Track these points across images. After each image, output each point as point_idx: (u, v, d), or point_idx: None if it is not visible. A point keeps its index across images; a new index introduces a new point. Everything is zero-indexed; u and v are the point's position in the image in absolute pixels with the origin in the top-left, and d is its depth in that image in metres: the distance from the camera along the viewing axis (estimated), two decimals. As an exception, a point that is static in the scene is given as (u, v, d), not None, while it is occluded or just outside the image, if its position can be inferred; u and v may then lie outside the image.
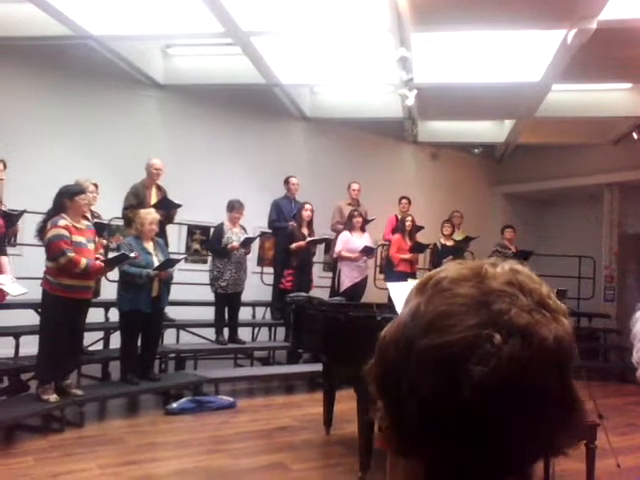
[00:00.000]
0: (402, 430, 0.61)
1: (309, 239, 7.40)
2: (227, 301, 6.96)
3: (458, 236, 8.92)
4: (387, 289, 5.27)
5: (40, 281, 4.98)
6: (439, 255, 8.41)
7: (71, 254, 4.75)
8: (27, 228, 6.08)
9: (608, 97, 8.21)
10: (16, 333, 5.56)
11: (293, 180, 8.02)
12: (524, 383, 0.57)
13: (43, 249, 4.97)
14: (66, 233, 4.81)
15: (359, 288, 7.67)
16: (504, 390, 0.57)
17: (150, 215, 5.75)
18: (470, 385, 0.56)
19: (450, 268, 0.65)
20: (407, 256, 7.92)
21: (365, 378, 0.66)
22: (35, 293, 5.10)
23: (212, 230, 7.36)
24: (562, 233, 11.29)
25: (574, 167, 10.41)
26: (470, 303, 0.60)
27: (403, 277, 7.05)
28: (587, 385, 4.53)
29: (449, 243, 8.58)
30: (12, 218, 5.26)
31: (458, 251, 8.56)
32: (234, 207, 7.03)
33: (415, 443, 0.60)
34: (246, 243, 6.93)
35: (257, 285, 7.91)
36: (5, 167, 4.72)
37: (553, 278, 8.57)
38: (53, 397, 4.79)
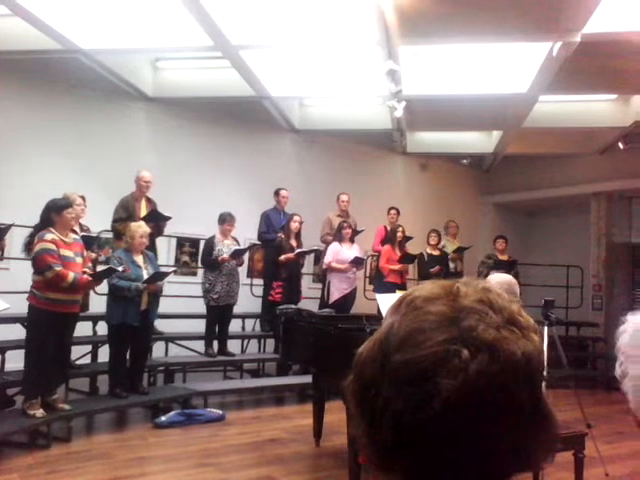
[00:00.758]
0: (379, 446, 0.62)
1: (298, 251, 7.41)
2: (219, 313, 6.94)
3: (453, 246, 8.94)
4: (376, 300, 5.27)
5: (26, 295, 4.94)
6: (425, 265, 8.43)
7: (58, 268, 4.73)
8: (15, 242, 6.05)
9: (594, 108, 8.31)
10: (2, 347, 5.52)
11: (283, 192, 8.03)
12: (493, 397, 0.58)
13: (29, 263, 4.94)
14: (53, 247, 4.79)
15: (348, 299, 7.67)
16: (473, 404, 0.58)
17: (141, 228, 5.74)
18: (440, 399, 0.57)
19: (423, 287, 0.67)
20: (397, 267, 7.94)
21: (344, 395, 0.67)
22: (22, 307, 5.06)
23: (202, 243, 7.35)
24: (550, 242, 11.37)
25: (561, 177, 10.51)
26: (441, 320, 0.62)
27: (392, 288, 7.07)
28: (575, 393, 4.56)
29: (435, 253, 8.60)
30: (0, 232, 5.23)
31: (445, 261, 8.59)
32: (225, 219, 7.04)
33: (392, 458, 0.62)
34: (236, 255, 6.93)
35: (246, 297, 7.91)
36: None
37: (541, 287, 8.64)
38: (39, 412, 4.74)
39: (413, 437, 0.59)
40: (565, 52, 5.98)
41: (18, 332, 5.47)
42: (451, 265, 8.82)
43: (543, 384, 0.64)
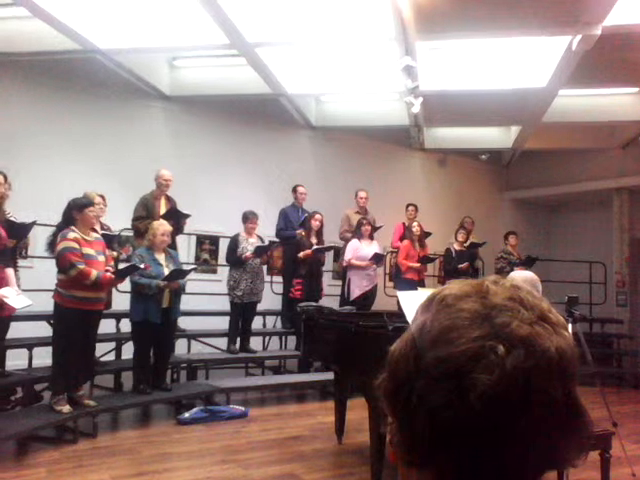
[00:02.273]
0: (413, 442, 0.63)
1: (314, 247, 7.42)
2: (242, 311, 6.99)
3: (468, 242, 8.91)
4: (397, 297, 5.27)
5: (51, 293, 5.02)
6: (452, 261, 8.39)
7: (81, 266, 4.79)
8: (38, 240, 6.14)
9: (615, 101, 8.21)
10: (29, 345, 5.62)
11: (301, 189, 8.05)
12: (528, 392, 0.59)
13: (54, 261, 5.01)
14: (76, 245, 4.85)
15: (369, 296, 7.67)
16: (509, 399, 0.59)
17: (162, 226, 5.79)
18: (476, 394, 0.58)
19: (453, 286, 0.68)
20: (415, 265, 7.92)
21: (376, 393, 0.68)
22: (47, 305, 5.14)
23: (221, 240, 7.40)
24: (572, 239, 11.25)
25: (582, 172, 10.39)
26: (473, 317, 0.63)
27: (412, 285, 7.06)
28: (601, 392, 4.49)
29: (462, 249, 8.55)
30: (22, 230, 5.30)
31: (473, 257, 8.55)
32: (247, 218, 7.09)
33: (426, 454, 0.62)
34: (259, 252, 6.96)
35: (267, 294, 7.93)
36: (6, 180, 4.76)
37: (564, 284, 8.54)
38: (66, 408, 4.82)
39: (448, 433, 0.60)
40: (585, 45, 5.91)
41: (44, 329, 5.55)
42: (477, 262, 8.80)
43: (576, 380, 0.64)
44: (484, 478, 0.61)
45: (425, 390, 0.61)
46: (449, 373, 0.60)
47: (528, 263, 8.17)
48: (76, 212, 4.98)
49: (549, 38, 6.33)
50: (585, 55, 6.12)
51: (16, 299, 4.47)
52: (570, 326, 4.23)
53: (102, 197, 6.27)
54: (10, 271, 4.61)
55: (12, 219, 5.15)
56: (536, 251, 9.17)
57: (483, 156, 11.01)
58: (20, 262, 5.62)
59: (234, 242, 7.03)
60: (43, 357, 5.46)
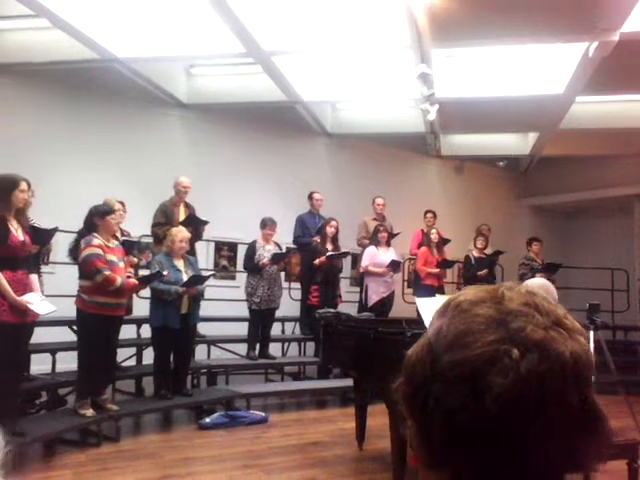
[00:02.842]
0: (431, 444, 0.65)
1: (328, 254, 7.44)
2: (260, 317, 7.02)
3: (487, 250, 8.86)
4: (415, 303, 5.28)
5: (73, 299, 5.09)
6: (471, 268, 8.38)
7: (107, 272, 4.86)
8: (59, 247, 6.22)
9: (632, 108, 8.17)
10: (52, 349, 5.69)
11: (316, 195, 8.09)
12: (543, 395, 0.61)
13: (75, 267, 5.08)
14: (101, 252, 4.93)
15: (386, 303, 7.67)
16: (524, 401, 0.60)
17: (181, 233, 5.85)
18: (491, 397, 0.60)
19: (468, 292, 0.70)
20: (434, 270, 7.93)
21: (394, 397, 0.70)
22: (69, 310, 5.20)
23: (239, 247, 7.45)
24: (592, 245, 11.14)
25: (602, 178, 10.31)
26: (488, 322, 0.64)
27: (431, 291, 7.06)
28: (626, 400, 4.43)
29: (482, 256, 8.53)
30: (45, 236, 5.38)
31: (492, 264, 8.53)
32: (266, 224, 7.12)
33: (444, 456, 0.64)
34: (276, 259, 7.00)
35: (286, 300, 7.97)
36: (29, 187, 4.85)
37: (584, 291, 8.44)
38: (90, 412, 4.87)
39: (464, 434, 0.61)
40: (602, 52, 5.90)
41: (67, 334, 5.63)
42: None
43: (592, 384, 0.65)
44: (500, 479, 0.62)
45: (441, 393, 0.63)
46: (465, 376, 0.62)
47: (550, 270, 8.12)
48: (98, 219, 5.05)
49: (566, 45, 6.34)
50: (602, 61, 6.11)
51: (40, 305, 4.53)
52: (592, 334, 4.19)
53: (122, 204, 6.34)
54: (34, 277, 4.68)
55: (35, 225, 5.23)
56: (555, 258, 9.10)
57: (500, 163, 10.99)
58: (42, 268, 5.70)
59: (251, 249, 7.07)
60: (66, 361, 5.54)
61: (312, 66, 7.45)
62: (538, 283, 3.60)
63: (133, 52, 6.75)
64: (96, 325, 4.92)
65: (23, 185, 4.44)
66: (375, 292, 7.59)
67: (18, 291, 4.31)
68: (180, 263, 5.86)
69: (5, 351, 4.23)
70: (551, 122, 8.37)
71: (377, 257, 7.63)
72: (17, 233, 4.39)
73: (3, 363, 4.24)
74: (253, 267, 6.96)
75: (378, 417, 4.89)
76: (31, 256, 4.77)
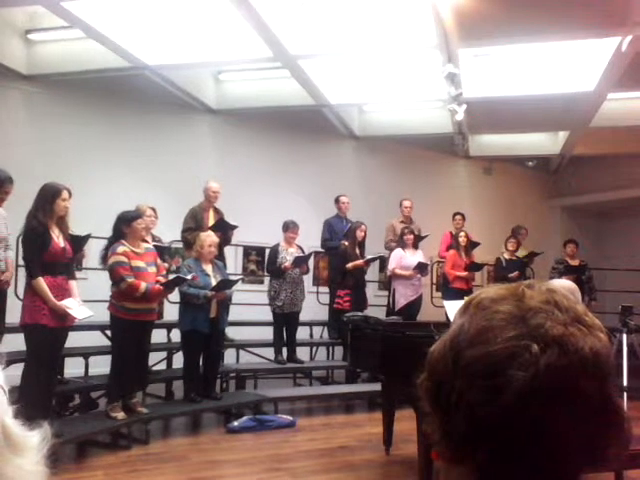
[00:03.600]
0: (454, 438, 0.66)
1: (367, 257, 7.42)
2: (285, 321, 7.05)
3: (521, 252, 8.71)
4: (444, 307, 5.23)
5: (105, 304, 5.20)
6: (503, 270, 8.26)
7: (130, 279, 4.94)
8: (92, 253, 6.33)
9: (668, 103, 7.96)
10: (85, 353, 5.81)
11: (343, 199, 8.07)
12: (562, 389, 0.62)
13: (107, 273, 5.18)
14: (124, 259, 5.01)
15: (414, 306, 7.61)
16: (544, 396, 0.61)
17: (209, 238, 5.90)
18: (511, 391, 0.61)
19: (489, 290, 0.71)
20: (463, 274, 7.84)
21: (417, 393, 0.71)
22: (101, 315, 5.30)
23: (267, 251, 7.48)
24: (625, 246, 10.87)
25: (635, 177, 10.06)
26: (509, 318, 0.65)
27: (459, 294, 6.97)
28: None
29: (513, 258, 8.40)
30: (79, 242, 5.49)
31: (523, 266, 8.39)
32: (288, 227, 7.14)
33: (465, 450, 0.65)
34: (298, 262, 7.00)
35: (313, 304, 7.97)
36: (71, 195, 4.97)
37: (618, 293, 8.25)
38: (121, 415, 4.96)
39: (485, 428, 0.63)
40: (636, 46, 5.77)
41: (99, 339, 5.74)
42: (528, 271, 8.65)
43: (612, 380, 0.66)
44: (521, 473, 0.63)
45: (463, 388, 0.64)
46: (486, 371, 0.63)
47: (579, 271, 7.96)
48: (125, 226, 5.13)
49: (597, 40, 6.21)
50: (636, 56, 5.97)
51: (78, 309, 4.67)
52: (625, 336, 4.09)
53: (153, 209, 6.43)
54: (73, 283, 4.80)
55: (70, 232, 5.34)
56: (587, 259, 8.92)
57: (530, 163, 10.82)
58: (76, 274, 5.81)
59: (274, 252, 7.09)
60: (98, 365, 5.64)
61: (339, 69, 7.47)
62: (562, 284, 3.52)
63: (163, 59, 6.88)
64: (127, 330, 5.02)
65: (65, 194, 4.62)
66: (403, 295, 7.53)
67: (57, 296, 4.50)
68: (209, 268, 5.91)
69: (43, 353, 4.37)
70: (582, 120, 8.21)
71: (404, 260, 7.58)
72: (58, 240, 4.58)
73: (41, 365, 4.37)
74: (276, 270, 6.98)
75: (405, 422, 4.86)
76: (70, 262, 4.90)
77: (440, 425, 0.68)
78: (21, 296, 5.18)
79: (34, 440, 0.64)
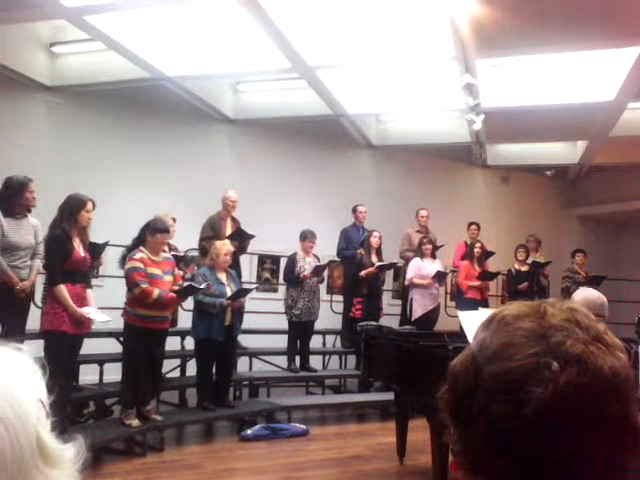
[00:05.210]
0: (474, 450, 0.67)
1: (378, 264, 7.42)
2: (300, 329, 7.06)
3: (530, 261, 8.65)
4: (458, 317, 5.20)
5: (120, 311, 5.27)
6: (514, 281, 8.20)
7: (144, 285, 4.99)
8: (108, 260, 6.41)
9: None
10: (100, 360, 5.87)
11: (361, 208, 8.08)
12: (581, 407, 0.62)
13: (123, 281, 5.24)
14: (141, 265, 5.06)
15: (432, 316, 7.56)
16: (562, 413, 0.62)
17: (225, 247, 5.94)
18: (531, 407, 0.62)
19: (512, 307, 0.73)
20: (476, 284, 7.79)
21: (438, 405, 0.73)
22: (116, 323, 5.36)
23: (282, 260, 7.52)
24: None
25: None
26: (530, 335, 0.67)
27: (473, 304, 6.93)
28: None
29: (524, 269, 8.35)
30: (97, 249, 5.56)
31: (532, 277, 8.32)
32: (306, 237, 7.17)
33: (485, 463, 0.66)
34: (317, 271, 7.03)
35: (327, 313, 7.97)
36: (94, 207, 5.05)
37: (635, 304, 8.14)
38: (135, 422, 4.99)
39: (505, 443, 0.64)
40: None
41: (114, 346, 5.79)
42: (543, 280, 8.56)
43: (631, 400, 0.66)
44: None
45: (483, 402, 0.65)
46: (506, 387, 0.64)
47: (595, 282, 7.86)
48: (149, 234, 5.19)
49: (616, 50, 6.16)
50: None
51: (96, 314, 4.75)
52: (641, 348, 4.04)
53: (174, 220, 6.48)
54: (90, 292, 4.88)
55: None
56: (605, 269, 8.81)
57: (548, 172, 10.74)
58: (92, 281, 5.88)
59: (291, 261, 7.13)
60: (113, 372, 5.69)
61: (356, 79, 7.49)
62: (589, 296, 3.44)
63: (182, 70, 6.98)
64: (138, 337, 5.06)
65: (89, 205, 4.74)
66: (420, 305, 7.50)
67: (76, 303, 4.61)
68: (223, 276, 5.94)
69: (60, 359, 4.44)
70: (601, 130, 8.14)
71: (423, 269, 7.55)
72: (79, 249, 4.68)
73: (58, 371, 4.42)
74: (293, 279, 7.01)
75: (419, 432, 4.83)
76: (88, 271, 5.00)
77: (460, 437, 0.69)
78: (39, 304, 5.29)
79: (69, 453, 0.65)
